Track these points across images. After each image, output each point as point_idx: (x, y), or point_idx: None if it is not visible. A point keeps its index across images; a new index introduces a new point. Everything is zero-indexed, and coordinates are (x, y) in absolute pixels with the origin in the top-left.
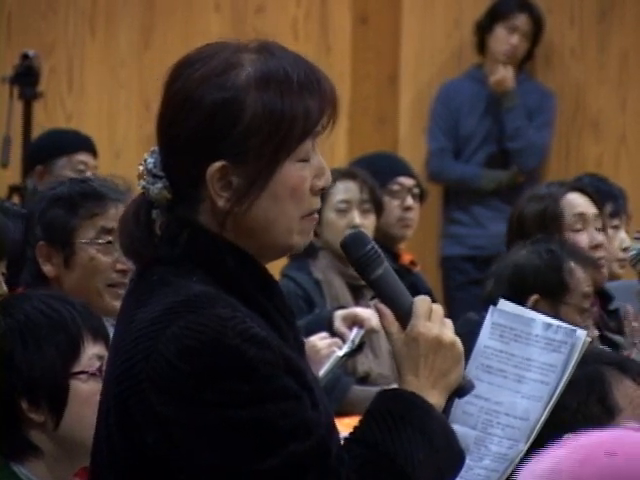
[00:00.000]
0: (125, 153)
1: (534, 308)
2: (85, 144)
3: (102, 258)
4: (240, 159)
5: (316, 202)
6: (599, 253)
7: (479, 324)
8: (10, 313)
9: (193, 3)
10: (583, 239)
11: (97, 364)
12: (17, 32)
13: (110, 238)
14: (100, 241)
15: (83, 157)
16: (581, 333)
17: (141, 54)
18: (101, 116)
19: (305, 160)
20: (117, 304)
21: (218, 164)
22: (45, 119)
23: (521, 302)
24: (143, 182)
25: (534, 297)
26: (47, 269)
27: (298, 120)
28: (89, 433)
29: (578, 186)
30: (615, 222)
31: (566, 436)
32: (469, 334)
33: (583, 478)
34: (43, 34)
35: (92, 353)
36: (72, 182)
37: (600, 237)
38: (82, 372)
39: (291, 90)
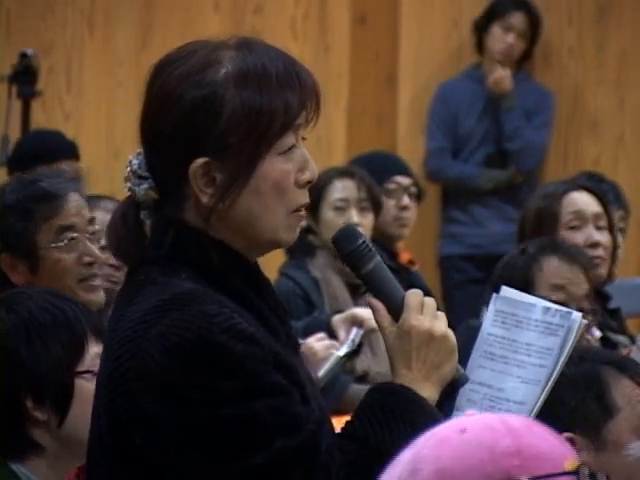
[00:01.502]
0: (124, 152)
1: None
2: (66, 150)
3: (67, 258)
4: (222, 155)
5: (303, 196)
6: (596, 252)
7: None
8: (14, 310)
9: (192, 3)
10: (579, 237)
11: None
12: (15, 31)
13: (73, 235)
14: (61, 244)
15: (63, 165)
16: (577, 315)
17: (140, 53)
18: (99, 115)
19: (287, 154)
20: (93, 297)
21: (201, 160)
22: (43, 118)
23: None
24: (129, 184)
25: None
26: (15, 279)
27: (277, 115)
28: None
29: (583, 185)
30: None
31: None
32: (471, 339)
33: (442, 456)
34: (42, 33)
35: (95, 352)
36: (20, 185)
37: (598, 236)
38: (87, 371)
39: (270, 85)
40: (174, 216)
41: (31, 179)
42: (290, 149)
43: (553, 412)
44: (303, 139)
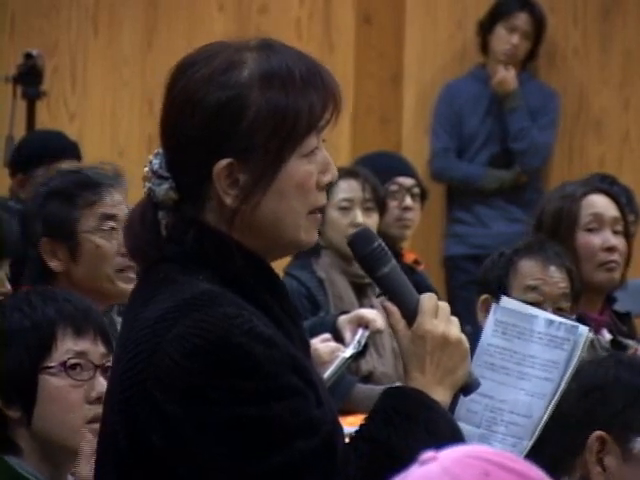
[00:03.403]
0: (128, 152)
1: (483, 307)
2: (67, 150)
3: (107, 244)
4: (246, 156)
5: (322, 198)
6: (612, 256)
7: (474, 335)
8: None
9: (196, 3)
10: (596, 240)
11: (73, 360)
12: (20, 31)
13: (112, 224)
14: (103, 228)
15: (64, 165)
16: (583, 329)
17: (144, 53)
18: (104, 115)
19: (310, 155)
20: (129, 287)
21: (225, 161)
22: (48, 119)
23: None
24: (149, 184)
25: (483, 297)
26: (54, 265)
27: (302, 115)
28: (59, 429)
29: (602, 188)
30: None
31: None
32: None
33: None
34: (46, 33)
35: (68, 348)
36: (64, 174)
37: (615, 240)
38: (51, 367)
39: (294, 86)
40: (195, 217)
41: (75, 169)
42: (313, 151)
43: (593, 410)
44: (323, 141)
